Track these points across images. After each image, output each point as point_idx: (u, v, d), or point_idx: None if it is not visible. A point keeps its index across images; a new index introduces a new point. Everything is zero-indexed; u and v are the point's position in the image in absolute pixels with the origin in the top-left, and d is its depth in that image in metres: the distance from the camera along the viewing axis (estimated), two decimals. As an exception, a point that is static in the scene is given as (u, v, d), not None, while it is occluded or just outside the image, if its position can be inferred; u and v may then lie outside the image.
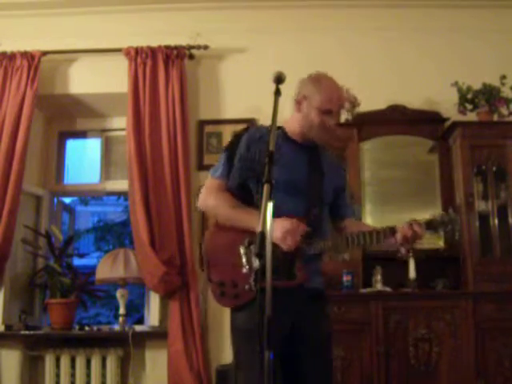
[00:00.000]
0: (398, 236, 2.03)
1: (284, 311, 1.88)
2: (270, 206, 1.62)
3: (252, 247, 2.01)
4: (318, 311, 2.13)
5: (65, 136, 4.58)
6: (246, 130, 2.19)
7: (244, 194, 2.12)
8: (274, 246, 1.83)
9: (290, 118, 2.23)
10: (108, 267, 3.90)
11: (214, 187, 2.15)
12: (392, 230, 2.05)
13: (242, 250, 2.03)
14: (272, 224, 1.88)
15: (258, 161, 2.08)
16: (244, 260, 2.02)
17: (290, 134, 2.20)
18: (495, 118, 3.89)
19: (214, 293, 2.07)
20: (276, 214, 1.86)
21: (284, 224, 1.97)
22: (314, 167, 2.17)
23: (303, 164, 2.14)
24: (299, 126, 2.18)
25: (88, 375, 3.76)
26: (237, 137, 2.18)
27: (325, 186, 2.19)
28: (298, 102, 2.18)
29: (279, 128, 2.20)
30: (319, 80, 2.19)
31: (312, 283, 2.10)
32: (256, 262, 1.96)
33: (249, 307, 1.97)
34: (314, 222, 2.09)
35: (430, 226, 2.06)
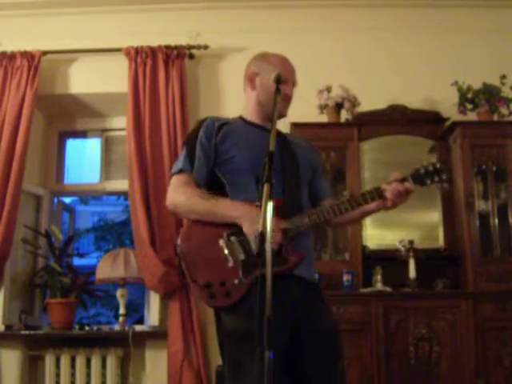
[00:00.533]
0: (388, 194, 1.94)
1: (283, 307, 1.80)
2: (270, 205, 1.58)
3: (233, 239, 1.91)
4: (319, 306, 2.02)
5: (65, 136, 4.58)
6: (202, 122, 2.11)
7: (213, 185, 2.04)
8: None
9: (245, 103, 2.18)
10: (108, 267, 3.90)
11: (180, 182, 2.03)
12: (378, 191, 1.96)
13: (222, 244, 1.91)
14: (251, 212, 1.84)
15: (222, 148, 2.03)
16: (227, 254, 1.89)
17: (250, 118, 2.14)
18: (495, 117, 3.89)
19: (202, 296, 1.91)
20: (255, 200, 1.82)
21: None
22: (285, 149, 2.09)
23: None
24: (257, 103, 2.12)
25: (88, 375, 3.75)
26: (194, 130, 2.10)
27: (300, 165, 2.11)
28: (250, 80, 2.15)
29: (239, 118, 2.17)
30: (265, 55, 2.17)
31: (305, 272, 1.98)
32: (241, 255, 1.89)
33: (242, 307, 1.85)
34: (293, 202, 2.00)
35: (416, 179, 1.98)
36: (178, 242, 1.99)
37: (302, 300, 1.96)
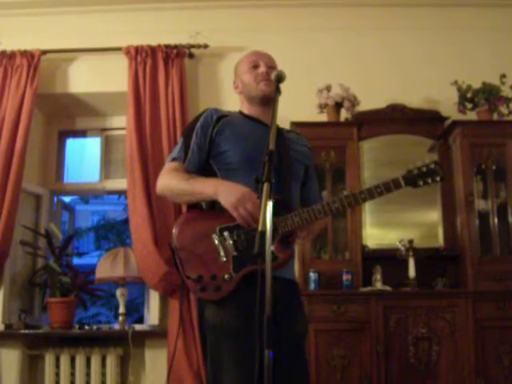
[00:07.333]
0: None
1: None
2: (270, 205, 1.58)
3: (226, 234, 1.93)
4: (295, 307, 2.04)
5: (65, 135, 4.58)
6: (203, 112, 2.14)
7: (208, 175, 2.06)
8: (251, 230, 1.83)
9: (240, 107, 2.24)
10: (108, 266, 3.89)
11: (169, 168, 2.08)
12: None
13: (215, 239, 1.93)
14: (226, 187, 1.89)
15: (217, 141, 2.06)
16: (220, 249, 1.92)
17: (246, 111, 2.18)
18: (495, 116, 3.89)
19: (194, 289, 1.92)
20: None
21: (236, 191, 1.89)
22: (281, 144, 2.07)
23: (266, 140, 1.93)
24: (244, 97, 2.19)
25: (88, 374, 3.75)
26: (193, 121, 2.14)
27: (292, 160, 2.11)
28: (236, 86, 2.24)
29: (239, 112, 2.21)
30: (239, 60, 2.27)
31: (287, 273, 2.02)
32: (233, 250, 1.91)
33: (228, 302, 1.89)
34: (285, 200, 1.98)
35: (409, 180, 1.99)
36: (172, 237, 2.00)
37: (281, 297, 1.92)
